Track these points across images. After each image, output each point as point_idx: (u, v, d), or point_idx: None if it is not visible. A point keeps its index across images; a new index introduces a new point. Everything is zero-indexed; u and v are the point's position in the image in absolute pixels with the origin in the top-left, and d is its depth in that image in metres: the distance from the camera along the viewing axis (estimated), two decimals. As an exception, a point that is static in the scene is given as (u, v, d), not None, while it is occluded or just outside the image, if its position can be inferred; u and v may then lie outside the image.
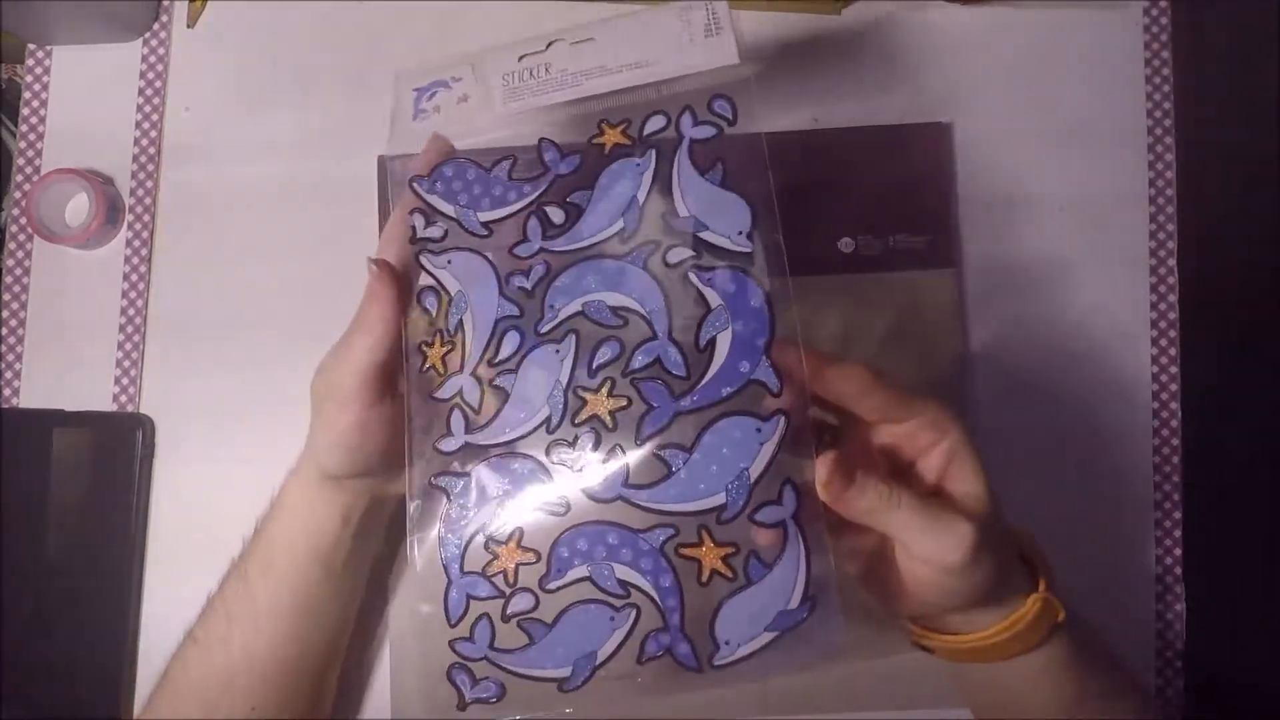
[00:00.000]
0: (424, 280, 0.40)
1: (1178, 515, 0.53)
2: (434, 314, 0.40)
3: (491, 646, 0.36)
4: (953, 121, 0.55)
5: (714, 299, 0.36)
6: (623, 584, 0.35)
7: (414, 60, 0.43)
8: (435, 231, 0.41)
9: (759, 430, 0.35)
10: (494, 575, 0.36)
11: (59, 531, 0.54)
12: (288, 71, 0.58)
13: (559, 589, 0.36)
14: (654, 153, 0.39)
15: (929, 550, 0.36)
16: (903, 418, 0.38)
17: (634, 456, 0.35)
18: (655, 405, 0.36)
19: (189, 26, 0.59)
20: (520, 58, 0.41)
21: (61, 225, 0.57)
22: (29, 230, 0.57)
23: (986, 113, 0.55)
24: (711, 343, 0.36)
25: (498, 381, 0.38)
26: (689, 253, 0.37)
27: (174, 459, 0.55)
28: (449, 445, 0.38)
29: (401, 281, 0.40)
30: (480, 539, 0.36)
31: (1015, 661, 0.40)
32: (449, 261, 0.40)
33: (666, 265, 0.37)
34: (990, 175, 0.55)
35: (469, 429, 0.38)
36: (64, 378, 0.56)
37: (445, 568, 0.36)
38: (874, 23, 0.56)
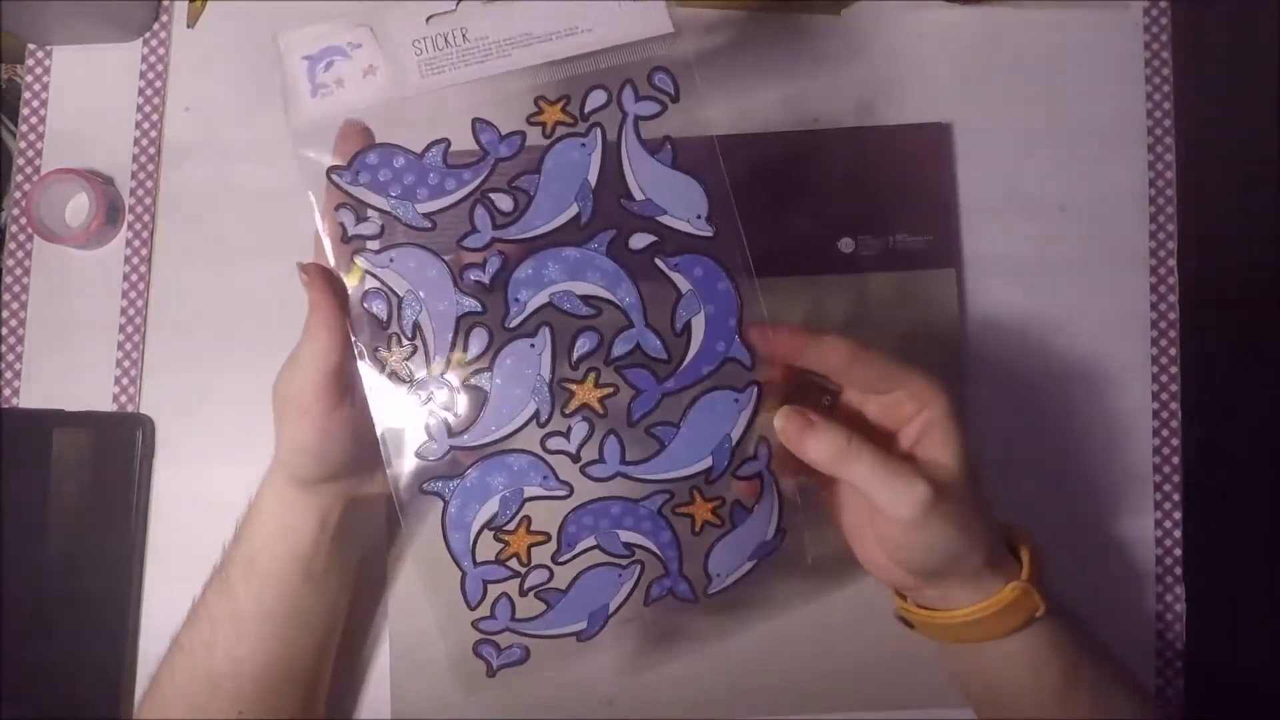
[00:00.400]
0: (367, 282, 0.38)
1: (1178, 515, 0.53)
2: (384, 317, 0.38)
3: (512, 618, 0.38)
4: (953, 121, 0.55)
5: (683, 284, 0.38)
6: (627, 545, 0.39)
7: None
8: (369, 228, 0.38)
9: (736, 400, 0.38)
10: (508, 559, 0.38)
11: (59, 531, 0.54)
12: (288, 71, 0.58)
13: (570, 560, 0.39)
14: (599, 131, 0.37)
15: (884, 503, 0.37)
16: (888, 388, 0.39)
17: (628, 438, 0.38)
18: (642, 390, 0.38)
19: (189, 26, 0.59)
20: (429, 19, 0.38)
21: (61, 225, 0.57)
22: (29, 230, 0.57)
23: (986, 113, 0.55)
24: (687, 326, 0.38)
25: (473, 381, 0.38)
26: (651, 238, 0.38)
27: (174, 459, 0.55)
28: (433, 452, 0.38)
29: (339, 284, 0.39)
30: (488, 532, 0.38)
31: (994, 645, 0.41)
32: (390, 260, 0.38)
33: (630, 251, 0.38)
34: (990, 175, 0.55)
35: (451, 433, 0.38)
36: (64, 378, 0.56)
37: (457, 562, 0.38)
38: (874, 23, 0.56)
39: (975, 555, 0.39)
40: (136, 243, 0.57)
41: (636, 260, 0.38)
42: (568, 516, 0.38)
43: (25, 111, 0.59)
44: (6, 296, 0.57)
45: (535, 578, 0.38)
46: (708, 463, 0.39)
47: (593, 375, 0.38)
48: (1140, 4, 0.56)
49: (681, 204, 0.38)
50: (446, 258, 0.38)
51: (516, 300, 0.38)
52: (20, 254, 0.58)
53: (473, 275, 0.37)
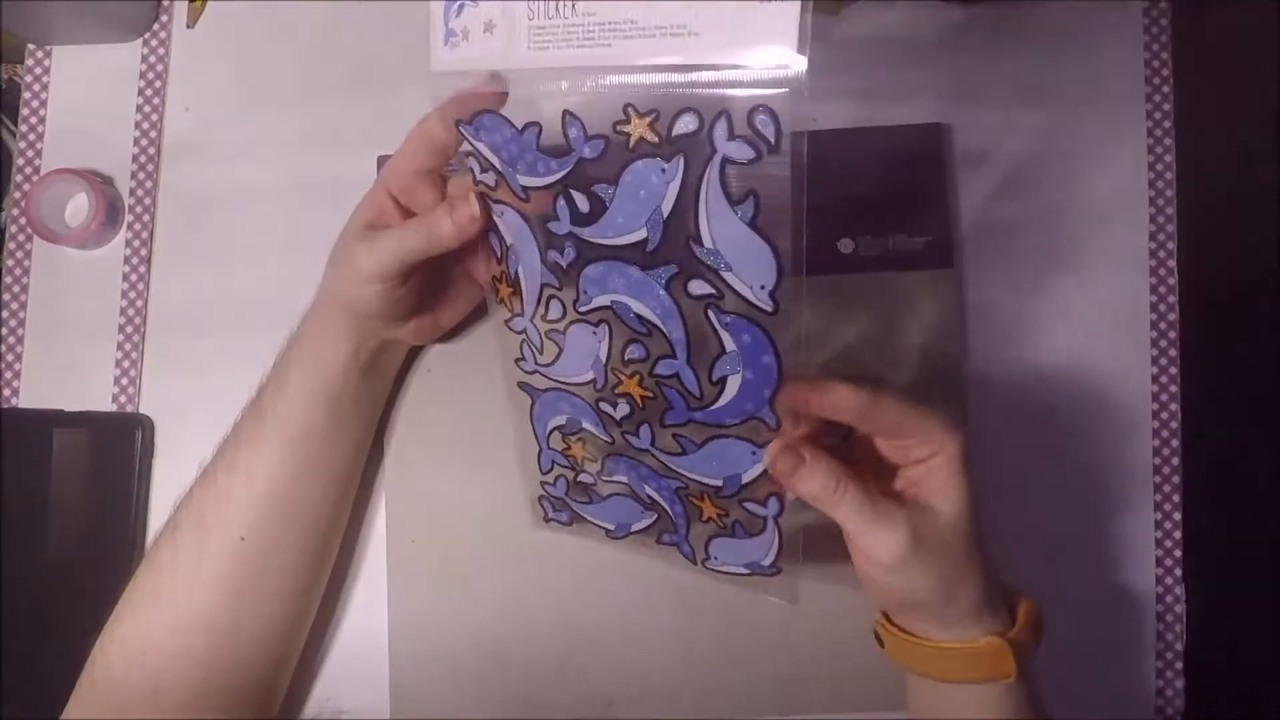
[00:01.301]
0: (491, 221, 0.42)
1: (1178, 516, 0.53)
2: (499, 254, 0.43)
3: (566, 493, 0.48)
4: (953, 122, 0.55)
5: (729, 343, 0.36)
6: (649, 498, 0.45)
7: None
8: (490, 179, 0.40)
9: (754, 454, 0.39)
10: (568, 455, 0.46)
11: (59, 531, 0.54)
12: (288, 71, 0.58)
13: (609, 481, 0.46)
14: (682, 160, 0.34)
15: (865, 545, 0.38)
16: (902, 437, 0.39)
17: (658, 433, 0.41)
18: (674, 406, 0.40)
19: (189, 26, 0.59)
20: None
21: (61, 225, 0.57)
22: (29, 230, 0.57)
23: (986, 113, 0.55)
24: (723, 380, 0.37)
25: (552, 335, 0.42)
26: (710, 289, 0.35)
27: (174, 459, 0.55)
28: (526, 367, 0.45)
29: (471, 214, 0.42)
30: (558, 433, 0.46)
31: (951, 696, 0.41)
32: (501, 214, 0.41)
33: (688, 295, 0.36)
34: (990, 175, 0.55)
35: (536, 362, 0.44)
36: (64, 378, 0.56)
37: (538, 438, 0.47)
38: (874, 23, 0.56)
39: (954, 609, 0.39)
40: (136, 243, 0.57)
41: (691, 306, 0.36)
42: (609, 456, 0.45)
43: (25, 111, 0.59)
44: (6, 296, 0.57)
45: (584, 477, 0.47)
46: (719, 482, 0.41)
47: (637, 377, 0.40)
48: (1140, 4, 0.56)
49: (749, 268, 0.34)
50: (536, 232, 0.40)
51: (585, 292, 0.39)
52: (20, 254, 0.58)
53: (554, 256, 0.39)
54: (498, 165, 0.39)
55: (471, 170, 0.41)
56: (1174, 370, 0.54)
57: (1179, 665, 0.52)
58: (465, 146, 0.40)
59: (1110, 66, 0.56)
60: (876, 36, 0.56)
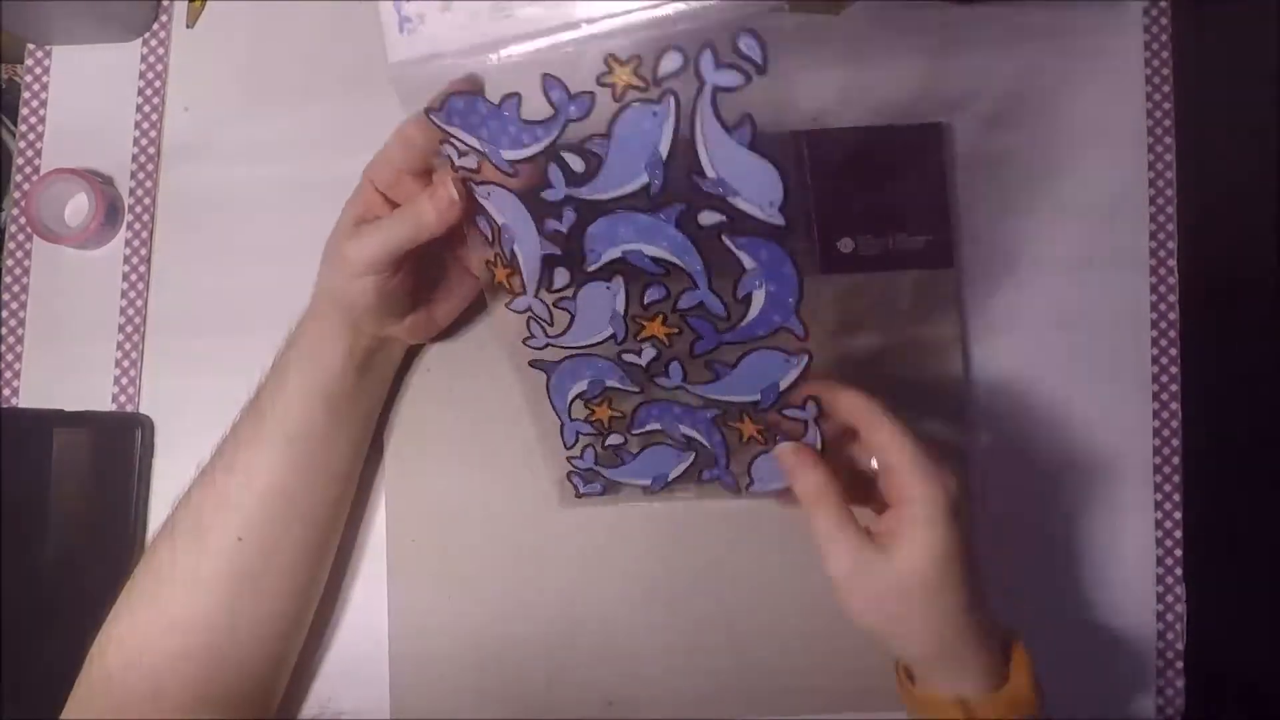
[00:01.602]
0: (479, 203, 0.41)
1: (1178, 515, 0.53)
2: (489, 237, 0.42)
3: (595, 463, 0.49)
4: (953, 121, 0.55)
5: (748, 262, 0.38)
6: (686, 437, 0.46)
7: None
8: (470, 162, 0.40)
9: (787, 360, 0.41)
10: (594, 421, 0.47)
11: (59, 531, 0.54)
12: (288, 71, 0.58)
13: (640, 434, 0.47)
14: (673, 100, 0.34)
15: (821, 556, 0.40)
16: (885, 462, 0.40)
17: (689, 365, 0.43)
18: (703, 335, 0.41)
19: (189, 26, 0.59)
20: None
21: (61, 225, 0.57)
22: (29, 230, 0.57)
23: (986, 113, 0.55)
24: (748, 296, 0.39)
25: (561, 304, 0.42)
26: (721, 217, 0.36)
27: (174, 459, 0.55)
28: (536, 344, 0.45)
29: (453, 201, 0.42)
30: (580, 401, 0.46)
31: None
32: (488, 194, 0.40)
33: (699, 227, 0.37)
34: (990, 175, 0.55)
35: (548, 335, 0.44)
36: (64, 378, 0.56)
37: (558, 414, 0.47)
38: (874, 23, 0.56)
39: (905, 654, 0.41)
40: (136, 243, 0.57)
41: (704, 234, 0.37)
42: (639, 407, 0.46)
43: (25, 111, 0.59)
44: (6, 296, 0.57)
45: (613, 439, 0.47)
46: (756, 397, 0.42)
47: (660, 317, 0.41)
48: (1140, 4, 0.56)
49: (755, 189, 0.35)
50: (528, 205, 0.39)
51: (592, 250, 0.39)
52: (20, 254, 0.58)
53: (551, 225, 0.39)
54: (477, 146, 0.39)
55: (449, 158, 0.40)
56: (1174, 370, 0.54)
57: (1179, 665, 0.52)
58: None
59: (1110, 66, 0.56)
60: (876, 36, 0.56)
